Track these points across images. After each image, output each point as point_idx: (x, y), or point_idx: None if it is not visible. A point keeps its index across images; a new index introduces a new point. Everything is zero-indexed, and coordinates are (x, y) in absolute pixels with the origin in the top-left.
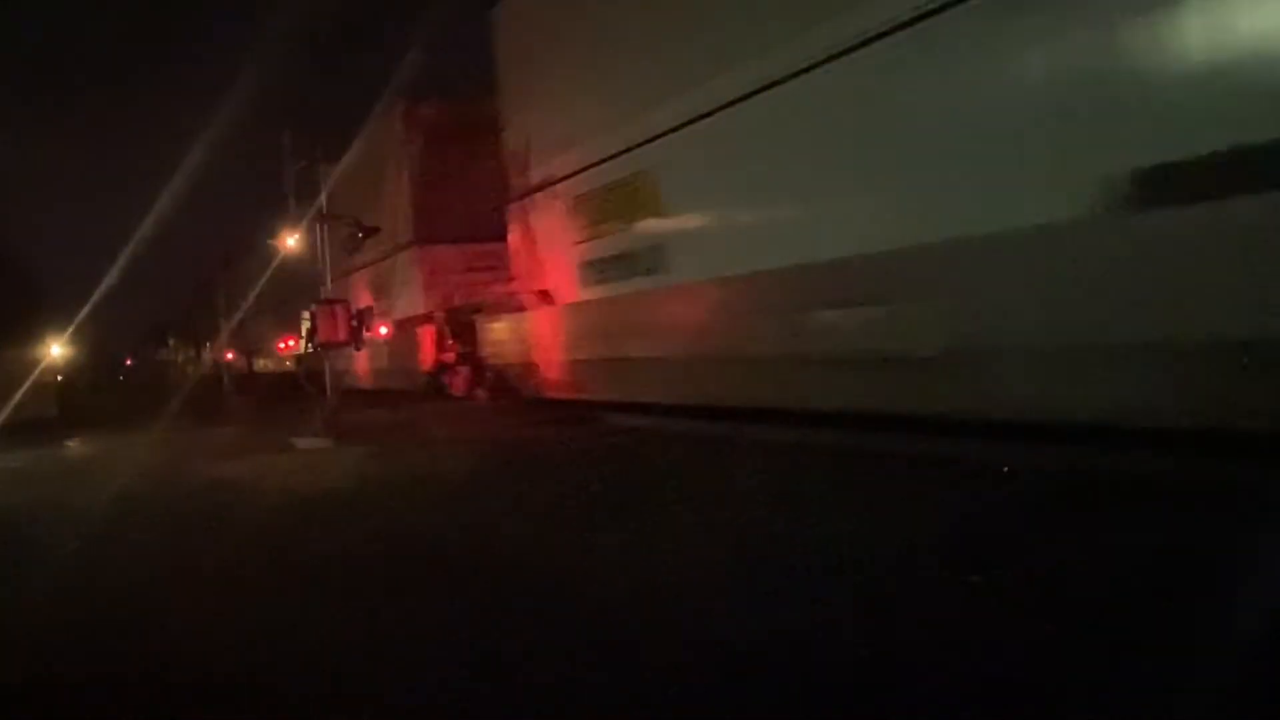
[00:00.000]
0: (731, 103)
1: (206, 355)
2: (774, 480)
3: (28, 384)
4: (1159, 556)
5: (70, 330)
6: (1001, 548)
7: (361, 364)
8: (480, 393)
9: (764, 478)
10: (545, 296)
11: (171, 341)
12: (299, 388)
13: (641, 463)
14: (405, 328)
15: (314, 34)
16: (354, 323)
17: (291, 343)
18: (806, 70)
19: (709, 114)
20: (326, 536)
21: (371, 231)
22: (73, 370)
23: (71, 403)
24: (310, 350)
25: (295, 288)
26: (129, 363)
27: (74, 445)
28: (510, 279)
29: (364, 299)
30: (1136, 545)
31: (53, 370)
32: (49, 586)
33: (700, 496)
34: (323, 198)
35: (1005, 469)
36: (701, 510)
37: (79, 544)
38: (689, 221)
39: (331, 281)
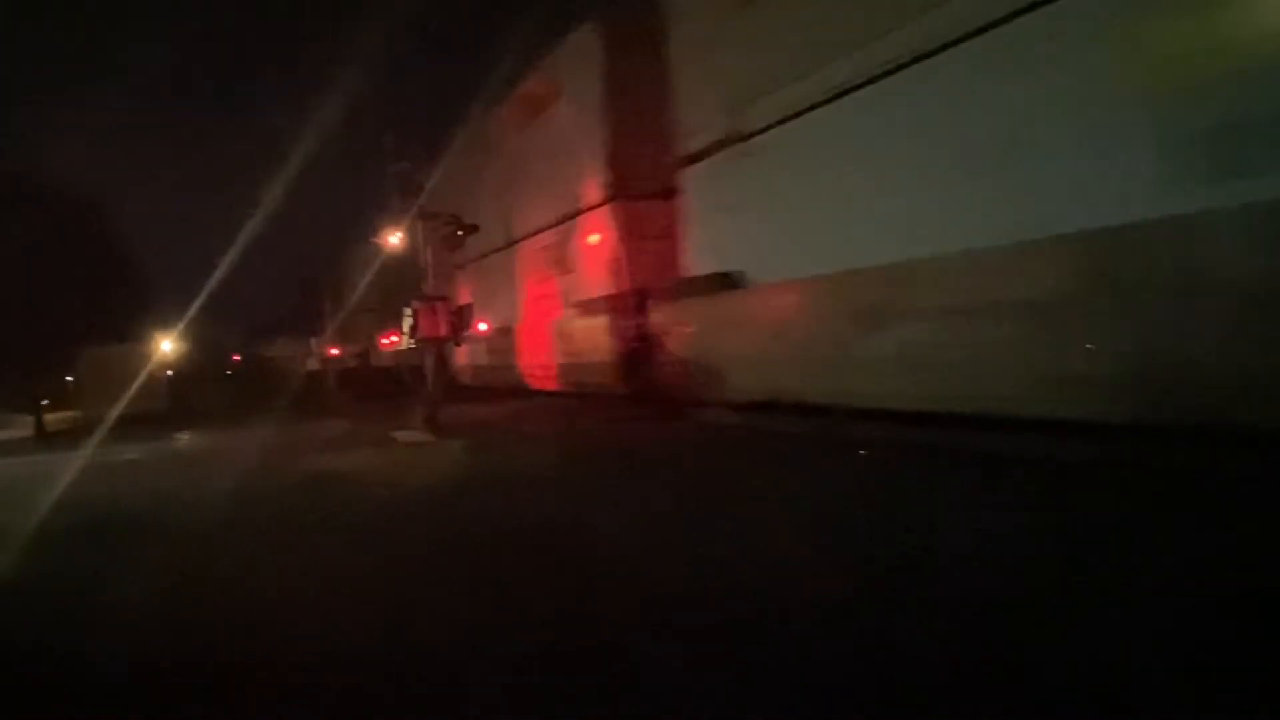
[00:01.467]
0: None
1: (312, 351)
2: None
3: (140, 379)
4: None
5: (180, 327)
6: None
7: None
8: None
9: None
10: None
11: (279, 338)
12: (400, 382)
13: (731, 458)
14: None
15: (415, 36)
16: (454, 319)
17: (393, 338)
18: None
19: None
20: (428, 530)
21: (471, 229)
22: (183, 366)
23: (182, 397)
24: (411, 345)
25: (397, 285)
26: (236, 358)
27: (185, 438)
28: None
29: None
30: None
31: (164, 365)
32: (176, 573)
33: (783, 493)
34: (422, 196)
35: None
36: (785, 506)
37: (198, 534)
38: None
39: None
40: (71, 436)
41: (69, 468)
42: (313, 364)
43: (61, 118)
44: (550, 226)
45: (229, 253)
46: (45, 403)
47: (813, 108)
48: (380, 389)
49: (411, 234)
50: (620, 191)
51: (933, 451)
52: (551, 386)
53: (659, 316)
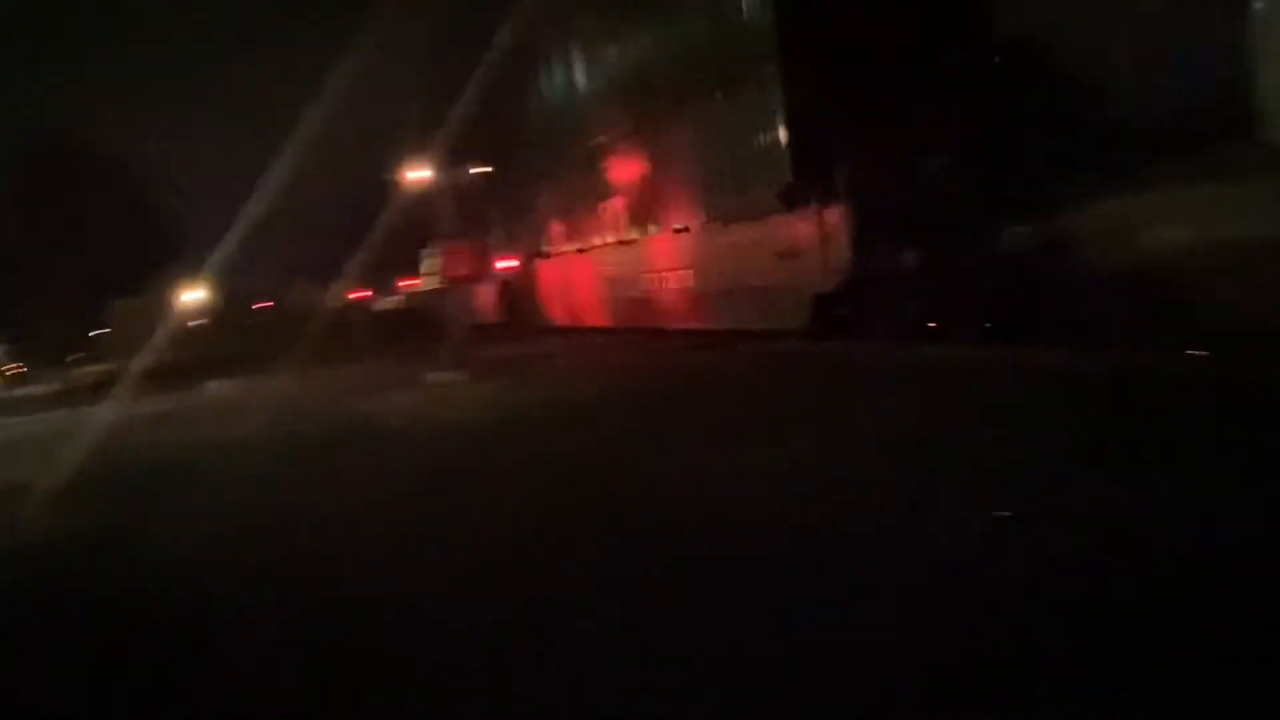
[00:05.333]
0: None
1: (337, 295)
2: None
3: (168, 329)
4: None
5: (204, 276)
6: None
7: None
8: None
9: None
10: None
11: (300, 283)
12: (422, 324)
13: (764, 385)
14: None
15: None
16: (476, 258)
17: (413, 280)
18: None
19: None
20: (476, 468)
21: (485, 174)
22: (208, 314)
23: (210, 345)
24: (435, 287)
25: (418, 226)
26: (259, 306)
27: (214, 387)
28: None
29: None
30: None
31: (192, 315)
32: (219, 515)
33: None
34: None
35: None
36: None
37: (237, 478)
38: None
39: None
40: (101, 390)
41: (94, 424)
42: (336, 307)
43: (83, 68)
44: None
45: (250, 202)
46: (73, 357)
47: None
48: (407, 331)
49: (434, 174)
50: None
51: None
52: None
53: None
